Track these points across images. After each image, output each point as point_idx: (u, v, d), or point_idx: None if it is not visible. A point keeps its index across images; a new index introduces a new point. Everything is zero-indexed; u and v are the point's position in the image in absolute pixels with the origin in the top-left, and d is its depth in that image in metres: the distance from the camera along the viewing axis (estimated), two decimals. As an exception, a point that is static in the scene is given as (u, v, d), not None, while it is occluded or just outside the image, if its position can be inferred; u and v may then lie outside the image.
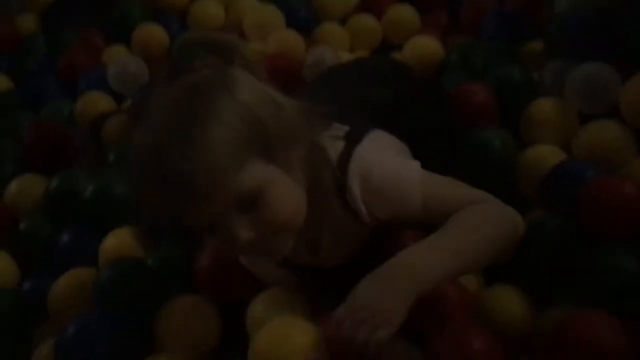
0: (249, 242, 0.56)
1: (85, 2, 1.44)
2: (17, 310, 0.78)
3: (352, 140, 0.62)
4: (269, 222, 0.56)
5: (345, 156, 0.61)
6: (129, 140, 0.58)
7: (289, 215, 0.58)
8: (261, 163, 0.55)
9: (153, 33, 1.25)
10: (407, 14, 1.22)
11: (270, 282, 0.68)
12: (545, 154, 0.82)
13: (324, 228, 0.64)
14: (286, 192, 0.57)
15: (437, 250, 0.55)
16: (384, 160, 0.62)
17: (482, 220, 0.59)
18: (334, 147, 0.61)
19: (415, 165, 0.63)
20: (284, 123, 0.56)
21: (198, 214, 0.54)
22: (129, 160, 0.56)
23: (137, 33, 1.24)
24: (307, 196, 0.59)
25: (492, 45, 1.06)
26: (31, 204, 0.90)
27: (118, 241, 0.78)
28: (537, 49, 1.05)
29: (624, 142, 0.79)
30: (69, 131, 1.04)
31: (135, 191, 0.60)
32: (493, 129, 0.85)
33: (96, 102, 1.10)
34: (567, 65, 0.92)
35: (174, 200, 0.54)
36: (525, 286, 0.66)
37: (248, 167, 0.54)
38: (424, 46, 1.11)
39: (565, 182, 0.73)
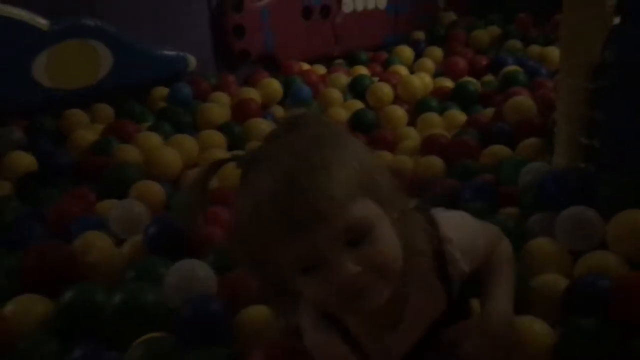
0: (354, 277, 0.57)
1: (67, 169, 1.49)
2: None
3: (422, 209, 0.67)
4: (375, 258, 0.58)
5: (430, 222, 0.66)
6: (242, 187, 0.60)
7: (392, 256, 0.60)
8: (373, 203, 0.59)
9: (151, 187, 1.29)
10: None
11: None
12: (554, 279, 0.90)
13: (411, 292, 0.66)
14: (392, 235, 0.60)
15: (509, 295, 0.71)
16: (463, 223, 0.71)
17: (508, 260, 0.75)
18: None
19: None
20: (386, 181, 0.62)
21: (313, 242, 0.56)
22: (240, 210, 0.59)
23: (135, 188, 1.28)
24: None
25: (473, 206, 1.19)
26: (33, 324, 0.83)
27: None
28: (514, 213, 1.18)
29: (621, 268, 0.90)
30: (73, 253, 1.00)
31: (252, 232, 0.60)
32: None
33: (95, 241, 1.08)
34: (550, 214, 1.06)
35: (297, 227, 0.56)
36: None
37: (362, 201, 0.58)
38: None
39: (589, 290, 0.79)
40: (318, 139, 0.60)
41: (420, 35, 2.61)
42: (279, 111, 1.91)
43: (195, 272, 0.90)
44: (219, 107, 1.81)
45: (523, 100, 1.63)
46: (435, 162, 1.45)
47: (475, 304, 0.76)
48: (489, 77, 2.05)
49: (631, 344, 0.70)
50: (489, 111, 1.74)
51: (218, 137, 1.61)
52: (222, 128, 1.68)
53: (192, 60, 2.01)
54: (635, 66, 1.07)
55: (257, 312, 0.88)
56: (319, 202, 0.56)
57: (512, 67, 2.00)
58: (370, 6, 2.51)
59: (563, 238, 1.00)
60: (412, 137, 1.69)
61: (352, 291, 0.59)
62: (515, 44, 2.35)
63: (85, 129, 1.68)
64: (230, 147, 1.61)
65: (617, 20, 1.11)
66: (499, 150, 1.44)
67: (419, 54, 2.38)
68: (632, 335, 0.71)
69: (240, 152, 1.35)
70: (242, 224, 0.60)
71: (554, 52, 2.05)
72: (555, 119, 1.26)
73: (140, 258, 1.04)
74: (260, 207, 0.57)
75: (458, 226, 0.69)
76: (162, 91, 1.94)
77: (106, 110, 1.80)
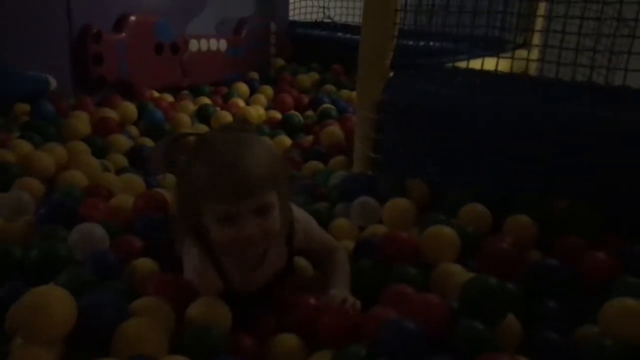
0: (248, 236, 0.92)
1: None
2: None
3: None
4: (268, 228, 0.94)
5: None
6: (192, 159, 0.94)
7: (277, 229, 0.97)
8: (275, 191, 0.96)
9: (31, 183, 1.53)
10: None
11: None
12: (348, 243, 1.35)
13: (270, 249, 1.06)
14: (279, 216, 0.97)
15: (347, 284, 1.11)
16: (306, 215, 1.16)
17: (346, 261, 1.17)
18: None
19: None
20: (284, 179, 0.99)
21: (241, 201, 0.90)
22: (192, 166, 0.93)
23: (18, 183, 1.51)
24: None
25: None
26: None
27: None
28: (325, 205, 1.63)
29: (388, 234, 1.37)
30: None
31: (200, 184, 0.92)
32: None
33: None
34: (347, 204, 1.52)
35: (227, 188, 0.90)
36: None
37: (271, 191, 0.95)
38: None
39: (368, 245, 1.27)
40: (251, 138, 0.96)
41: (254, 75, 3.06)
42: (134, 131, 2.20)
43: (94, 232, 1.19)
44: (81, 122, 2.05)
45: (334, 129, 2.11)
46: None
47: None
48: (309, 112, 2.53)
49: (390, 272, 1.16)
50: (309, 137, 2.20)
51: (84, 147, 1.85)
52: (85, 140, 1.93)
53: (53, 81, 2.23)
54: (401, 104, 1.60)
55: (142, 264, 1.19)
56: (259, 180, 0.91)
57: (327, 105, 2.51)
58: (213, 47, 2.92)
59: (355, 218, 1.47)
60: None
61: (247, 242, 0.93)
62: (331, 87, 2.91)
63: (-47, 138, 1.82)
64: (95, 156, 1.87)
65: (391, 73, 1.64)
66: (316, 165, 1.89)
67: (253, 91, 2.81)
68: (393, 267, 1.17)
69: (106, 163, 1.68)
70: (194, 178, 0.92)
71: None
72: (355, 142, 1.76)
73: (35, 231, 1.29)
74: (211, 174, 0.91)
75: (303, 215, 1.12)
76: (24, 107, 2.13)
77: (-29, 122, 1.95)
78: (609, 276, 1.11)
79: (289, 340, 0.98)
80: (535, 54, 1.98)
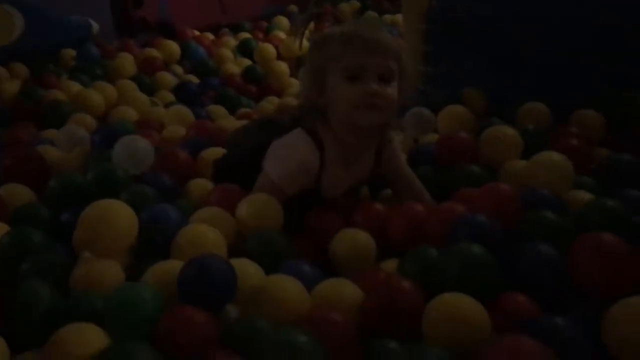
0: (372, 90, 0.96)
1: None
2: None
3: None
4: (387, 95, 0.98)
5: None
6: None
7: (394, 102, 1.00)
8: (397, 68, 1.01)
9: (85, 119, 1.55)
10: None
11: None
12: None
13: (361, 157, 1.07)
14: (396, 96, 1.00)
15: None
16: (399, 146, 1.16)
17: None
18: None
19: None
20: (406, 74, 1.05)
21: (370, 56, 0.97)
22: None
23: (72, 119, 1.53)
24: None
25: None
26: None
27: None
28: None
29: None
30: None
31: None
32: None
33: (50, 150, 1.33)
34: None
35: (359, 42, 0.98)
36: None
37: (397, 63, 1.00)
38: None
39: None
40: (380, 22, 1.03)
41: (293, 8, 2.99)
42: (178, 69, 2.20)
43: (138, 143, 1.19)
44: (128, 62, 2.06)
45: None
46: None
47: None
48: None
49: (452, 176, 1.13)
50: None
51: (132, 85, 1.87)
52: (132, 79, 1.94)
53: (95, 26, 2.24)
54: (451, 12, 1.52)
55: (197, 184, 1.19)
56: (385, 44, 0.98)
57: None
58: (250, -18, 2.87)
59: (410, 129, 1.42)
60: (294, 85, 2.06)
61: (370, 100, 0.97)
62: (373, 14, 2.82)
63: (6, 83, 1.86)
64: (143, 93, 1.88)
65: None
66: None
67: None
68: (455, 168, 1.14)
69: (154, 100, 1.69)
70: (327, 42, 1.00)
71: (401, 19, 2.52)
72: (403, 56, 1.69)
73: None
74: (345, 35, 0.99)
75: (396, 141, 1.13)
76: (70, 52, 2.15)
77: (22, 68, 1.98)
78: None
79: (358, 235, 0.95)
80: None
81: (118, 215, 0.89)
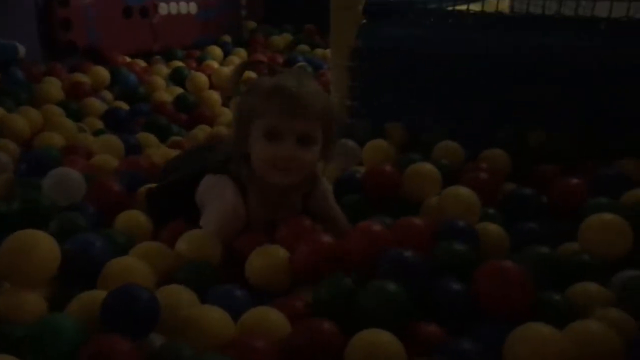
0: (286, 155, 0.98)
1: None
2: None
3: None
4: (303, 159, 1.00)
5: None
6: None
7: (310, 165, 1.03)
8: (321, 132, 1.02)
9: (7, 145, 1.52)
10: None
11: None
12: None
13: (286, 203, 1.10)
14: (315, 159, 1.04)
15: None
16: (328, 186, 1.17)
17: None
18: None
19: None
20: (333, 131, 1.04)
21: (289, 120, 0.97)
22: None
23: None
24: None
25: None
26: None
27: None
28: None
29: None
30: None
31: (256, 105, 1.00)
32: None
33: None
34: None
35: (279, 103, 0.98)
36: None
37: (319, 125, 1.01)
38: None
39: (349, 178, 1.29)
40: (311, 76, 1.04)
41: (227, 38, 3.03)
42: (108, 95, 2.19)
43: (70, 175, 1.20)
44: (54, 87, 2.03)
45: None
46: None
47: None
48: (284, 71, 2.55)
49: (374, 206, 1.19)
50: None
51: (59, 110, 1.84)
52: (59, 105, 1.91)
53: (22, 49, 2.19)
54: (375, 49, 1.61)
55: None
56: (307, 106, 0.98)
57: (302, 63, 2.52)
58: (183, 11, 2.89)
59: (336, 160, 1.48)
60: (226, 114, 2.09)
61: (285, 163, 1.00)
62: (305, 47, 2.90)
63: None
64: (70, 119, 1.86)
65: (363, 20, 1.65)
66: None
67: (226, 53, 2.79)
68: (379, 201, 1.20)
69: (82, 126, 1.68)
70: (252, 96, 1.01)
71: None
72: (331, 91, 1.77)
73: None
74: (268, 91, 0.99)
75: (325, 181, 1.15)
76: (-6, 74, 2.10)
77: (-58, 90, 1.92)
78: (581, 199, 1.15)
79: (274, 251, 0.98)
80: (505, 4, 2.01)
81: (38, 246, 0.89)
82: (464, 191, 1.11)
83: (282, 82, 1.00)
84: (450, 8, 1.65)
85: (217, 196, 1.06)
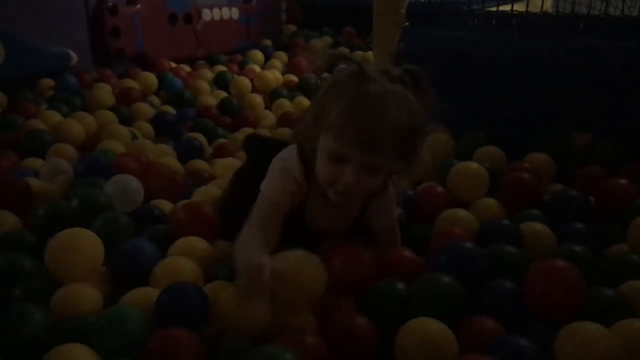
0: (349, 182, 0.89)
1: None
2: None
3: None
4: (363, 185, 0.91)
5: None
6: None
7: (370, 190, 0.96)
8: (396, 156, 0.91)
9: (65, 149, 1.59)
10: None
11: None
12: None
13: (347, 206, 1.03)
14: (381, 180, 0.94)
15: None
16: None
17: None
18: None
19: None
20: (416, 155, 0.92)
21: (358, 151, 0.86)
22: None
23: (52, 149, 1.58)
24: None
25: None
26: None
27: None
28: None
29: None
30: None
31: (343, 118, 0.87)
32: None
33: (34, 181, 1.37)
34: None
35: (352, 133, 0.87)
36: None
37: (394, 153, 0.90)
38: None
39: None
40: (404, 94, 0.89)
41: (268, 42, 3.09)
42: (155, 100, 2.26)
43: (129, 182, 1.26)
44: (105, 93, 2.11)
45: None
46: (287, 131, 1.90)
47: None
48: (326, 75, 2.57)
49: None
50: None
51: (112, 116, 1.91)
52: (111, 110, 1.99)
53: (74, 56, 2.29)
54: (418, 52, 1.63)
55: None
56: (380, 140, 0.86)
57: (342, 66, 2.54)
58: (226, 16, 2.95)
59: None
60: (269, 117, 2.14)
61: (344, 188, 0.91)
62: (344, 50, 2.93)
63: (-16, 112, 1.89)
64: (121, 124, 1.93)
65: (407, 23, 1.67)
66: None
67: (267, 57, 2.84)
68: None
69: (133, 131, 1.74)
70: (330, 104, 0.89)
71: (371, 56, 2.64)
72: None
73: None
74: (344, 111, 0.87)
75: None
76: (48, 82, 2.19)
77: (1, 97, 2.02)
78: (628, 200, 1.15)
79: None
80: (549, 3, 2.00)
81: (82, 242, 0.96)
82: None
83: (359, 105, 0.87)
84: (493, 9, 1.65)
85: (283, 160, 1.00)
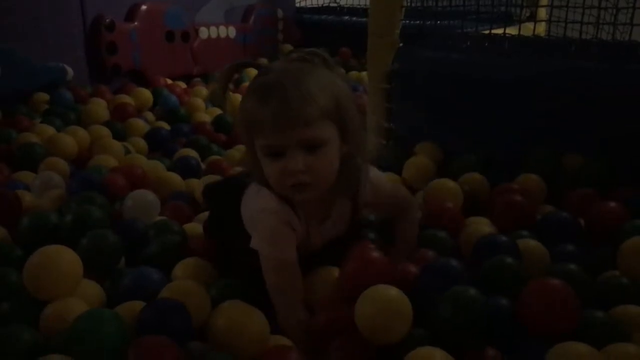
0: (295, 171, 0.85)
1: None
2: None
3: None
4: (315, 168, 0.85)
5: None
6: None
7: (328, 173, 0.88)
8: (334, 129, 0.86)
9: (57, 162, 1.59)
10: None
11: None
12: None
13: (334, 207, 0.98)
14: (334, 160, 0.88)
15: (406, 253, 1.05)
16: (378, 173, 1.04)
17: (416, 222, 1.12)
18: None
19: None
20: (353, 120, 0.89)
21: (283, 134, 0.83)
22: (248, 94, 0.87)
23: (45, 163, 1.57)
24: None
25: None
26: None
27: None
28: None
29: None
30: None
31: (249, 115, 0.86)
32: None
33: (24, 195, 1.36)
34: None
35: (268, 118, 0.83)
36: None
37: (325, 124, 0.85)
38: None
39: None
40: (312, 67, 0.87)
41: (264, 61, 3.11)
42: (150, 116, 2.26)
43: (146, 197, 1.29)
44: (100, 108, 2.12)
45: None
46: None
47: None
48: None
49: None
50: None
51: (105, 131, 1.91)
52: (105, 125, 1.99)
53: (70, 71, 2.29)
54: (411, 72, 1.64)
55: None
56: (302, 113, 0.83)
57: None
58: (223, 35, 2.97)
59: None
60: (264, 134, 2.14)
61: (294, 180, 0.86)
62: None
63: (-22, 125, 1.89)
64: (115, 139, 1.92)
65: (400, 44, 1.68)
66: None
67: (263, 76, 2.86)
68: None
69: (126, 145, 1.73)
70: (245, 110, 0.87)
71: (366, 76, 2.66)
72: (367, 113, 1.80)
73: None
74: (256, 105, 0.85)
75: (375, 171, 1.02)
76: (43, 96, 2.20)
77: (-6, 111, 2.02)
78: (618, 223, 1.14)
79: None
80: (541, 28, 2.02)
81: (61, 260, 0.93)
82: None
83: (267, 91, 0.85)
84: (486, 32, 1.67)
85: (261, 210, 0.94)
